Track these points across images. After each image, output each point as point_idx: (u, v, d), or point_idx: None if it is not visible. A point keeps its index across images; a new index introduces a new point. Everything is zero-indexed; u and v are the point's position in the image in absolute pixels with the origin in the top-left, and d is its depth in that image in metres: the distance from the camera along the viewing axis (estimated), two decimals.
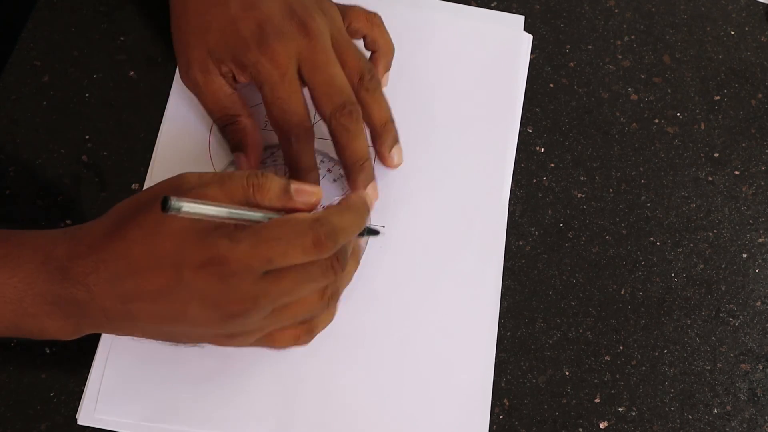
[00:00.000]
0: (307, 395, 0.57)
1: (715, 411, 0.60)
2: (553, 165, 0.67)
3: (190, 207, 0.45)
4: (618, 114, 0.69)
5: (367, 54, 0.64)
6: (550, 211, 0.65)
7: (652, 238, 0.65)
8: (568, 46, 0.71)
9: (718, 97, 0.70)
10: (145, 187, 0.62)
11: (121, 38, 0.68)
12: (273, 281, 0.48)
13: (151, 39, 0.68)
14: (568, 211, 0.65)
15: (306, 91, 0.60)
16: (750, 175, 0.68)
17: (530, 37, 0.70)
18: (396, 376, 0.58)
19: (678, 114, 0.69)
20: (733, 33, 0.73)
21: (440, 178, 0.64)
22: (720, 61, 0.72)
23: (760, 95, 0.70)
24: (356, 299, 0.59)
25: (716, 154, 0.68)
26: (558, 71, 0.70)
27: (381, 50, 0.64)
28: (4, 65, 0.66)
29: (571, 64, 0.70)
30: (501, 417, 0.58)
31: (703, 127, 0.69)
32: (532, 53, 0.70)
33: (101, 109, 0.65)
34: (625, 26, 0.72)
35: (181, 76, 0.63)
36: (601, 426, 0.59)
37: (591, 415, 0.59)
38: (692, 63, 0.71)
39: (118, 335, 0.56)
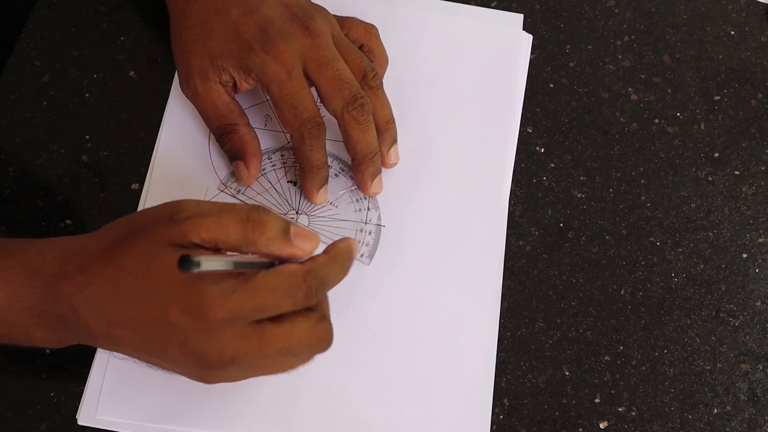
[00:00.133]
0: (307, 395, 0.57)
1: (715, 411, 0.60)
2: (553, 165, 0.67)
3: (206, 264, 0.44)
4: (618, 114, 0.69)
5: None
6: (550, 211, 0.65)
7: (652, 238, 0.65)
8: (568, 46, 0.71)
9: (718, 97, 0.70)
10: (145, 187, 0.62)
11: (121, 38, 0.68)
12: (260, 333, 0.48)
13: (151, 39, 0.68)
14: (568, 211, 0.65)
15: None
16: (750, 175, 0.68)
17: (530, 37, 0.70)
18: (396, 376, 0.58)
19: (678, 114, 0.69)
20: (733, 33, 0.73)
21: (440, 177, 0.64)
22: (720, 61, 0.72)
23: (760, 95, 0.70)
24: (356, 299, 0.60)
25: (716, 154, 0.68)
26: (558, 71, 0.70)
27: (377, 61, 0.64)
28: (4, 65, 0.66)
29: (571, 64, 0.70)
30: (501, 417, 0.58)
31: (703, 127, 0.69)
32: (532, 53, 0.70)
33: (101, 109, 0.65)
34: (625, 26, 0.72)
35: (181, 86, 0.62)
36: (601, 426, 0.59)
37: (591, 415, 0.59)
38: (692, 63, 0.71)
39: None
